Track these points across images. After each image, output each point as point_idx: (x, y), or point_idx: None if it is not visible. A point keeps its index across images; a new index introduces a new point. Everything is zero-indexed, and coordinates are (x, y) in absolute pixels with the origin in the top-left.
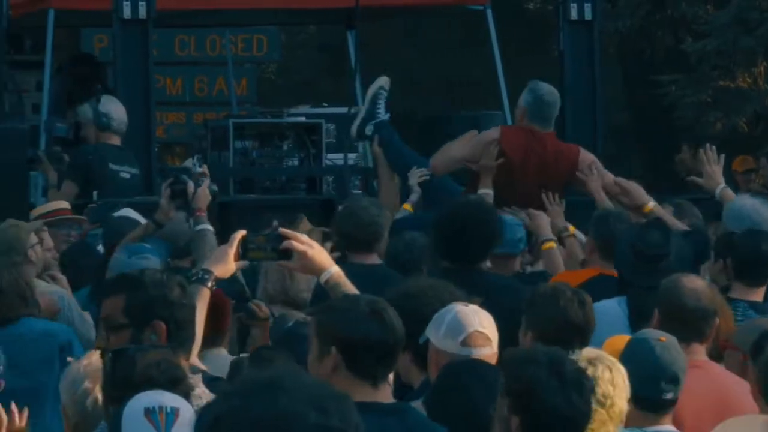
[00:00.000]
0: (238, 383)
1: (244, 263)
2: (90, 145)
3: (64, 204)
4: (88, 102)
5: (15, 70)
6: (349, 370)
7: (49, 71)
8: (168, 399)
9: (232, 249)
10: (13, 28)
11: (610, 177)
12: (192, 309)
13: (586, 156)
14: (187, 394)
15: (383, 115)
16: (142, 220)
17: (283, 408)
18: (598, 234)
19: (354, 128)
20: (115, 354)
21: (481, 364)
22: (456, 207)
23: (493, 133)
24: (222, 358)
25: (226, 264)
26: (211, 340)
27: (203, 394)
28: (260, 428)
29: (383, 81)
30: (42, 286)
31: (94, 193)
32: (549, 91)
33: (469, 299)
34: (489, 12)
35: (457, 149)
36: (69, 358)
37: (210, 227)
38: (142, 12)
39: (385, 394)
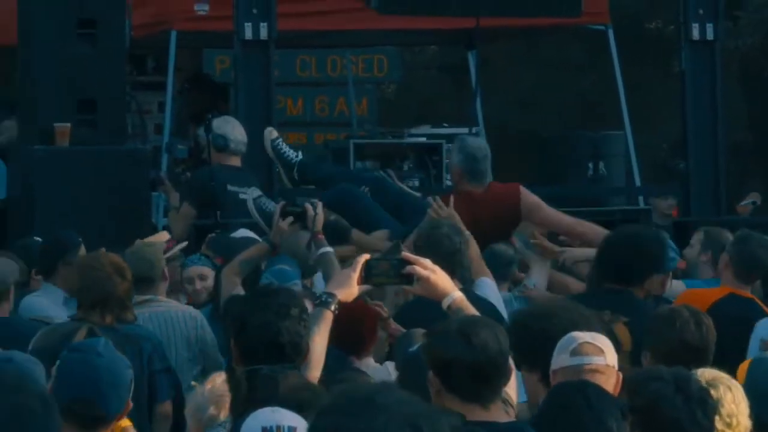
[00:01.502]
0: (335, 399)
1: (367, 287)
2: (207, 167)
3: (167, 236)
4: (206, 124)
5: (137, 91)
6: (449, 392)
7: (171, 92)
8: (285, 418)
9: (356, 273)
10: (135, 49)
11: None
12: (309, 331)
13: (527, 194)
14: None
15: (296, 157)
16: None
17: (380, 427)
18: (736, 253)
19: (287, 181)
20: (250, 374)
21: (590, 386)
22: (630, 231)
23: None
24: (375, 369)
25: (350, 288)
26: (358, 349)
27: None
28: None
29: (268, 133)
30: (176, 305)
31: (218, 213)
32: (477, 146)
33: (614, 318)
34: (610, 32)
35: None
36: (193, 383)
37: (331, 249)
38: (264, 33)
39: (498, 414)
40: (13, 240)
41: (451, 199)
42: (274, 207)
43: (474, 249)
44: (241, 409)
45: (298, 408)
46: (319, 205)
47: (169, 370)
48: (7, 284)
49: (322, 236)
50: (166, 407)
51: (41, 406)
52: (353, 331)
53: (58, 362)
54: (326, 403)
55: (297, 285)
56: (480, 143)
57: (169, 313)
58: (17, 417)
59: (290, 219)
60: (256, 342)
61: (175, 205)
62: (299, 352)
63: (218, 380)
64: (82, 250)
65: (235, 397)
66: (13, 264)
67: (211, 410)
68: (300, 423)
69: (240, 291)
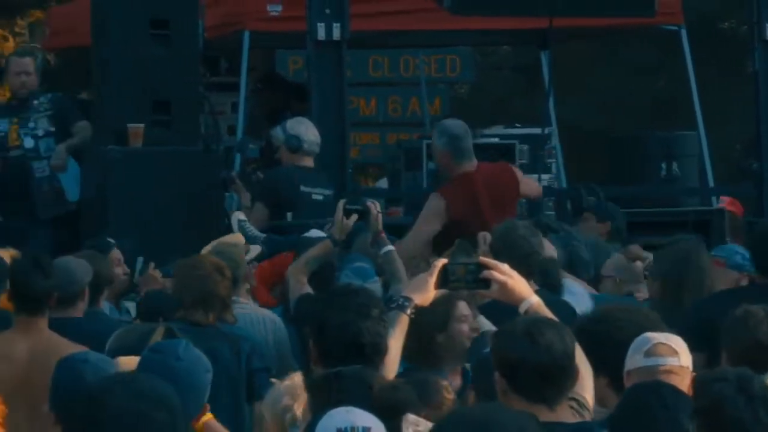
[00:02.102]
0: (452, 419)
1: (444, 291)
2: (281, 168)
3: (242, 237)
4: (279, 125)
5: (211, 91)
6: (515, 393)
7: (244, 93)
8: (360, 418)
9: (433, 277)
10: (208, 50)
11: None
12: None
13: (517, 169)
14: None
15: (260, 237)
16: None
17: None
18: None
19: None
20: (336, 375)
21: (665, 387)
22: None
23: (439, 202)
24: None
25: (426, 292)
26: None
27: (420, 422)
28: None
29: (235, 217)
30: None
31: (288, 215)
32: (455, 124)
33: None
34: (683, 32)
35: (425, 230)
36: (272, 379)
37: (393, 248)
38: (336, 33)
39: (565, 415)
40: (85, 240)
41: (443, 200)
42: (257, 234)
43: None
44: (322, 409)
45: (393, 409)
46: (377, 204)
47: (268, 370)
48: (83, 284)
49: (384, 235)
50: None
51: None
52: None
53: (138, 363)
54: (443, 422)
55: (376, 282)
56: (457, 122)
57: (251, 316)
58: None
59: (354, 217)
60: (336, 342)
61: (247, 205)
62: (379, 353)
63: (297, 378)
64: (117, 254)
65: (314, 398)
66: (87, 265)
67: (286, 400)
68: (374, 423)
69: (308, 290)
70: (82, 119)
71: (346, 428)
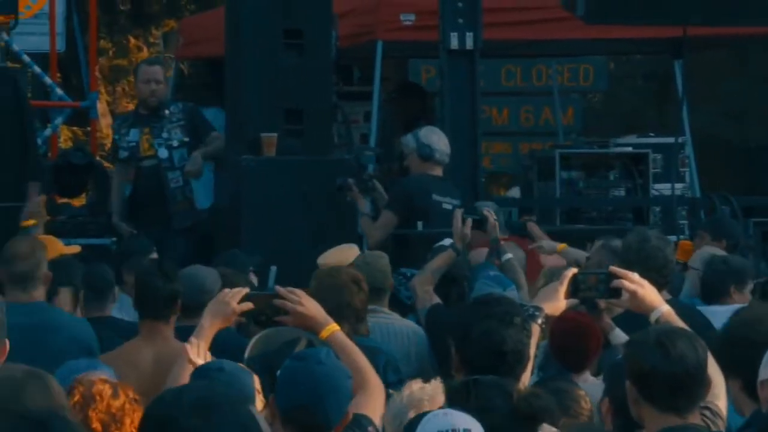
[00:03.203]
0: None
1: (573, 301)
2: (413, 176)
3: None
4: (411, 133)
5: (344, 101)
6: (646, 401)
7: (377, 102)
8: (460, 420)
9: (563, 287)
10: (342, 59)
11: None
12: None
13: None
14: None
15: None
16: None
17: None
18: None
19: None
20: (475, 383)
21: None
22: None
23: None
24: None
25: (557, 302)
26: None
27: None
28: None
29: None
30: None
31: (419, 224)
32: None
33: None
34: None
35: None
36: (390, 390)
37: (511, 255)
38: (469, 43)
39: (697, 424)
40: (219, 250)
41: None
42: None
43: None
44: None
45: (532, 418)
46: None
47: (403, 382)
48: (211, 293)
49: (502, 242)
50: None
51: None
52: (579, 348)
53: (279, 371)
54: None
55: (513, 291)
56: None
57: (393, 326)
58: None
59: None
60: (480, 350)
61: (364, 212)
62: (521, 361)
63: (415, 387)
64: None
65: (453, 406)
66: (216, 274)
67: (410, 414)
68: (474, 425)
69: (436, 300)
70: (213, 129)
71: (447, 431)
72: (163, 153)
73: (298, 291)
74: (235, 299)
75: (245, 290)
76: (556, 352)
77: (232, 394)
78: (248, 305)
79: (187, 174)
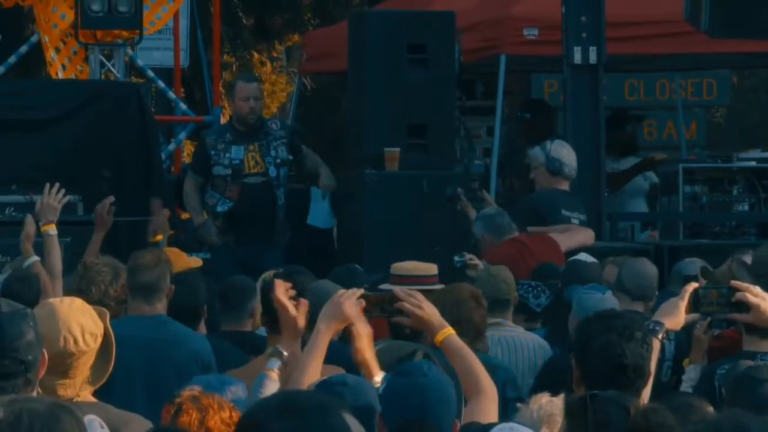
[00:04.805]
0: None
1: (696, 316)
2: (542, 191)
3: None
4: (539, 146)
5: (466, 115)
6: None
7: (500, 116)
8: None
9: (684, 302)
10: (465, 74)
11: None
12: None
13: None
14: None
15: None
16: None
17: None
18: None
19: None
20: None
21: None
22: None
23: None
24: None
25: (678, 317)
26: None
27: None
28: None
29: None
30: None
31: None
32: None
33: None
34: None
35: None
36: (518, 404)
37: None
38: (593, 57)
39: None
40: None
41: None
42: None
43: None
44: None
45: None
46: None
47: (521, 400)
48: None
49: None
50: None
51: None
52: None
53: (383, 386)
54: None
55: (610, 295)
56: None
57: (518, 339)
58: None
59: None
60: (599, 364)
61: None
62: (642, 375)
63: (543, 400)
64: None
65: (570, 421)
66: (337, 286)
67: (543, 431)
68: None
69: None
70: (306, 147)
71: None
72: (272, 171)
73: (418, 294)
74: (349, 300)
75: (360, 291)
76: None
77: (323, 400)
78: (361, 304)
79: (324, 187)
